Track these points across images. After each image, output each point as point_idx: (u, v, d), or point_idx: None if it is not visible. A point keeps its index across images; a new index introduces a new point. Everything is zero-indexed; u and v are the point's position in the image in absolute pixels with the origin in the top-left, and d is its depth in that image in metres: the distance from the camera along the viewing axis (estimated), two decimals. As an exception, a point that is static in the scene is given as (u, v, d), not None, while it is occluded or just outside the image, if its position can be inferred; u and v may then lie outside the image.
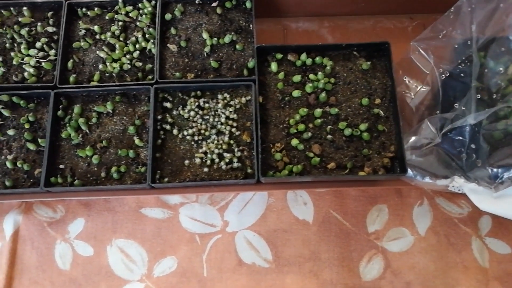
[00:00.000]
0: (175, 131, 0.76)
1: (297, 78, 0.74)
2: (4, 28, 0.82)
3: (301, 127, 0.71)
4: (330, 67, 0.74)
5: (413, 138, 0.74)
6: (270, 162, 0.71)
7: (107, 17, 0.84)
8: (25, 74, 0.78)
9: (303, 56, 0.75)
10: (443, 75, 0.72)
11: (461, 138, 0.69)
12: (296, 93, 0.73)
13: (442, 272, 0.82)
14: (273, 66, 0.74)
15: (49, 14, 0.83)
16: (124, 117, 0.78)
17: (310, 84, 0.73)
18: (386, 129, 0.73)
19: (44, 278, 0.83)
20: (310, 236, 0.85)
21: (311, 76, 0.75)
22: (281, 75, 0.74)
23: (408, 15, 0.99)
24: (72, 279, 0.83)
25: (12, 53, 0.80)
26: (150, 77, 0.80)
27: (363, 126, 0.72)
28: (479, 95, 0.66)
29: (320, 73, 0.74)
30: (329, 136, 0.72)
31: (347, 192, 0.88)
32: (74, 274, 0.83)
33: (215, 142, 0.75)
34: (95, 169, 0.75)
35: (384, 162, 0.71)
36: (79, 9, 0.84)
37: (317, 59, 0.75)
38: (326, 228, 0.85)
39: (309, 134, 0.71)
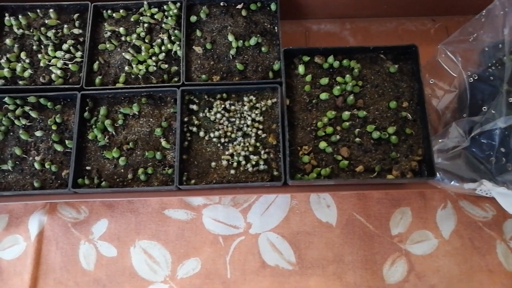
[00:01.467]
0: (201, 133, 0.76)
1: (324, 80, 0.74)
2: (31, 30, 0.83)
3: (329, 129, 0.71)
4: (357, 70, 0.74)
5: (440, 141, 0.74)
6: (298, 165, 0.71)
7: (132, 19, 0.84)
8: (52, 76, 0.79)
9: (330, 59, 0.75)
10: (471, 78, 0.72)
11: (490, 141, 0.69)
12: (323, 96, 0.73)
13: (466, 276, 0.82)
14: (300, 69, 0.74)
15: (75, 16, 0.84)
16: (151, 119, 0.78)
17: (338, 87, 0.73)
18: (413, 133, 0.73)
19: (68, 279, 0.84)
20: (333, 239, 0.85)
21: (339, 78, 0.75)
22: (308, 78, 0.74)
23: (430, 17, 0.99)
24: (96, 279, 0.83)
25: (39, 55, 0.81)
26: (176, 79, 0.80)
27: (391, 129, 0.71)
28: (510, 98, 0.66)
29: (347, 75, 0.74)
30: (357, 139, 0.72)
31: (370, 194, 0.88)
32: (98, 274, 0.84)
33: (242, 144, 0.75)
34: (122, 170, 0.75)
35: (412, 166, 0.71)
36: (104, 11, 0.85)
37: (344, 61, 0.75)
38: (350, 231, 0.85)
39: (337, 137, 0.71)
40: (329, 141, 0.72)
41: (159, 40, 0.81)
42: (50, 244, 0.85)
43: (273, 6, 0.84)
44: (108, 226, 0.87)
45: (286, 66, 0.75)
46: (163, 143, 0.76)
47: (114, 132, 0.77)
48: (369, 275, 0.82)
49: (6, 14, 0.84)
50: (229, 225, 0.86)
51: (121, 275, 0.84)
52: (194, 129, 0.77)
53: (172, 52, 0.81)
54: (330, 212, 0.87)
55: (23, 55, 0.80)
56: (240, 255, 0.84)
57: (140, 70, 0.79)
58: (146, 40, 0.82)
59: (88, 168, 0.76)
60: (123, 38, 0.83)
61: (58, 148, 0.76)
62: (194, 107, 0.78)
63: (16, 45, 0.81)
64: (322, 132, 0.72)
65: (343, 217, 0.86)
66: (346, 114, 0.72)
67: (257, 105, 0.77)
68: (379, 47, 0.75)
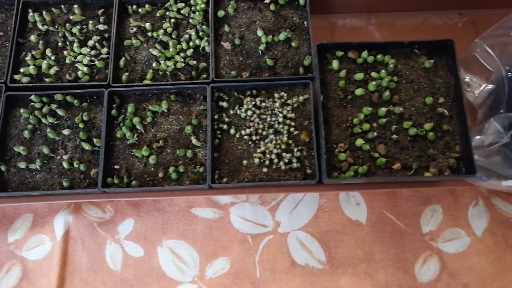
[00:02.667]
0: (232, 131, 0.75)
1: (359, 76, 0.72)
2: (56, 27, 0.81)
3: (366, 126, 0.70)
4: (393, 65, 0.73)
5: (476, 138, 0.72)
6: (333, 163, 0.70)
7: (158, 14, 0.82)
8: (78, 73, 0.77)
9: (365, 54, 0.73)
10: (510, 73, 0.71)
11: (531, 138, 0.68)
12: (359, 92, 0.72)
13: (500, 275, 0.80)
14: (335, 64, 0.73)
15: (100, 11, 0.82)
16: (180, 117, 0.76)
17: (374, 82, 0.71)
18: (450, 129, 0.71)
19: (95, 279, 0.82)
20: (363, 237, 0.84)
21: (373, 74, 0.73)
22: (342, 73, 0.73)
23: (457, 11, 0.97)
24: (123, 280, 0.82)
25: (64, 52, 0.79)
26: (204, 75, 0.78)
27: (428, 126, 0.70)
28: (553, 94, 0.64)
29: (383, 71, 0.73)
30: (394, 136, 0.70)
31: (400, 192, 0.86)
32: (125, 275, 0.82)
33: (273, 141, 0.74)
34: (152, 169, 0.74)
35: (449, 163, 0.69)
36: (129, 6, 0.83)
37: (379, 56, 0.73)
38: (380, 229, 0.84)
39: (375, 133, 0.69)
40: (366, 138, 0.70)
41: (186, 36, 0.80)
42: (76, 244, 0.84)
43: (301, 1, 0.82)
44: (134, 225, 0.85)
45: (319, 61, 0.73)
46: (194, 141, 0.74)
47: (143, 130, 0.76)
48: (401, 274, 0.81)
49: (30, 10, 0.82)
50: (257, 223, 0.85)
51: (149, 276, 0.82)
52: (225, 126, 0.75)
53: (200, 48, 0.79)
54: (359, 210, 0.85)
55: (48, 51, 0.79)
56: (269, 254, 0.83)
57: (168, 66, 0.78)
58: (173, 36, 0.80)
59: (116, 167, 0.74)
60: (149, 34, 0.81)
61: (86, 146, 0.74)
62: (224, 104, 0.76)
63: (41, 42, 0.79)
64: (359, 129, 0.70)
65: (373, 215, 0.85)
66: (382, 110, 0.70)
67: (289, 101, 0.76)
68: (414, 42, 0.74)
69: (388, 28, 0.96)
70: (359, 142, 0.69)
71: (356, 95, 0.72)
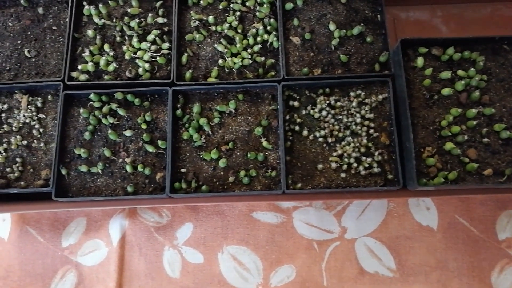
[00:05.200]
0: (304, 132, 0.70)
1: (445, 74, 0.67)
2: (114, 20, 0.76)
3: (456, 129, 0.65)
4: (482, 63, 0.67)
5: None
6: (421, 168, 0.65)
7: (220, 7, 0.77)
8: (139, 70, 0.72)
9: (450, 50, 0.68)
10: None
11: None
12: (446, 91, 0.66)
13: None
14: (419, 61, 0.68)
15: (158, 4, 0.77)
16: (249, 117, 0.72)
17: (462, 82, 0.66)
18: (545, 132, 0.66)
19: (153, 286, 0.79)
20: (435, 244, 0.79)
21: (460, 72, 0.68)
22: (428, 71, 0.67)
23: (529, 2, 0.91)
24: (183, 287, 0.78)
25: (123, 47, 0.74)
26: (272, 73, 0.73)
27: (521, 128, 0.65)
28: None
29: (471, 69, 0.67)
30: (484, 139, 0.65)
31: (473, 195, 0.81)
32: (184, 282, 0.79)
33: (352, 144, 0.69)
34: (222, 173, 0.69)
35: (545, 168, 0.64)
36: (189, -2, 0.78)
37: (466, 53, 0.68)
38: (452, 235, 0.79)
39: (465, 137, 0.64)
40: (455, 141, 0.65)
41: (253, 30, 0.74)
42: (133, 249, 0.80)
43: (374, -8, 0.76)
44: (193, 230, 0.81)
45: (397, 57, 0.68)
46: (264, 143, 0.70)
47: (210, 132, 0.71)
48: (477, 283, 0.77)
49: (84, 3, 0.77)
50: (323, 229, 0.81)
51: (210, 283, 0.79)
52: (297, 127, 0.70)
53: (268, 43, 0.74)
54: (430, 215, 0.81)
55: (106, 47, 0.74)
56: (336, 261, 0.79)
57: (235, 63, 0.72)
58: (239, 30, 0.75)
59: (183, 170, 0.70)
60: (212, 28, 0.76)
61: (150, 149, 0.70)
62: (295, 103, 0.71)
63: (98, 37, 0.74)
64: (447, 132, 0.65)
65: (444, 220, 0.80)
66: (472, 111, 0.65)
67: (366, 100, 0.71)
68: (505, 37, 0.68)
69: (455, 21, 0.90)
70: (449, 146, 0.64)
71: (443, 95, 0.67)
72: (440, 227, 0.80)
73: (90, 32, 0.75)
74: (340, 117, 0.70)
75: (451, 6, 0.91)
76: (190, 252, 0.80)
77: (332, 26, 0.74)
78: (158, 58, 0.73)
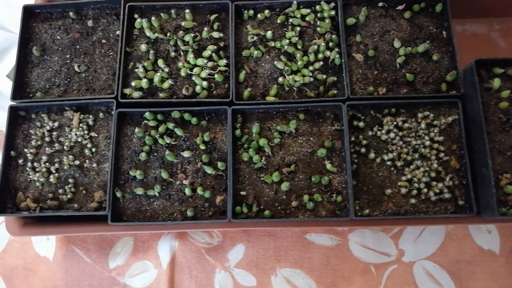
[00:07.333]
0: (371, 155, 0.67)
1: (523, 97, 0.64)
2: (168, 34, 0.72)
3: (536, 155, 0.62)
4: (563, 85, 0.64)
5: None
6: (497, 196, 0.62)
7: (278, 21, 0.73)
8: (197, 88, 0.69)
9: (527, 71, 0.65)
10: None
11: None
12: (524, 115, 0.63)
13: None
14: (496, 83, 0.64)
15: (212, 17, 0.73)
16: (311, 138, 0.69)
17: (542, 105, 0.63)
18: None
19: (205, 310, 0.76)
20: (498, 269, 0.76)
21: (538, 94, 0.65)
22: (505, 93, 0.64)
23: None
24: (235, 311, 0.76)
25: (178, 63, 0.71)
26: (334, 91, 0.70)
27: None
28: None
29: (551, 91, 0.64)
30: None
31: (536, 219, 0.78)
32: (237, 306, 0.76)
33: (421, 168, 0.66)
34: (284, 197, 0.66)
35: None
36: (245, 11, 0.74)
37: (544, 74, 0.65)
38: (515, 260, 0.76)
39: (547, 164, 0.61)
40: (534, 168, 0.62)
41: (314, 47, 0.71)
42: (183, 272, 0.77)
43: (438, 7, 0.73)
44: (244, 252, 0.78)
45: (472, 79, 0.65)
46: (328, 166, 0.67)
47: (270, 153, 0.68)
48: (542, 311, 0.74)
49: (135, 16, 0.74)
50: (379, 252, 0.78)
51: (263, 307, 0.76)
52: (362, 149, 0.67)
53: (329, 60, 0.71)
54: (491, 239, 0.78)
55: (160, 62, 0.71)
56: (394, 285, 0.76)
57: (296, 81, 0.69)
58: (299, 46, 0.72)
59: (243, 193, 0.67)
60: (271, 44, 0.72)
61: (209, 170, 0.67)
62: (360, 124, 0.68)
63: (151, 51, 0.71)
64: (527, 158, 0.62)
65: (507, 244, 0.77)
66: (553, 137, 0.62)
67: (435, 122, 0.67)
68: None
69: (514, 35, 0.87)
70: (529, 173, 0.61)
71: (521, 119, 0.64)
72: (503, 251, 0.77)
73: (143, 47, 0.71)
74: (409, 139, 0.67)
75: (509, 19, 0.88)
76: (242, 275, 0.77)
77: (397, 43, 0.70)
78: (216, 76, 0.70)
